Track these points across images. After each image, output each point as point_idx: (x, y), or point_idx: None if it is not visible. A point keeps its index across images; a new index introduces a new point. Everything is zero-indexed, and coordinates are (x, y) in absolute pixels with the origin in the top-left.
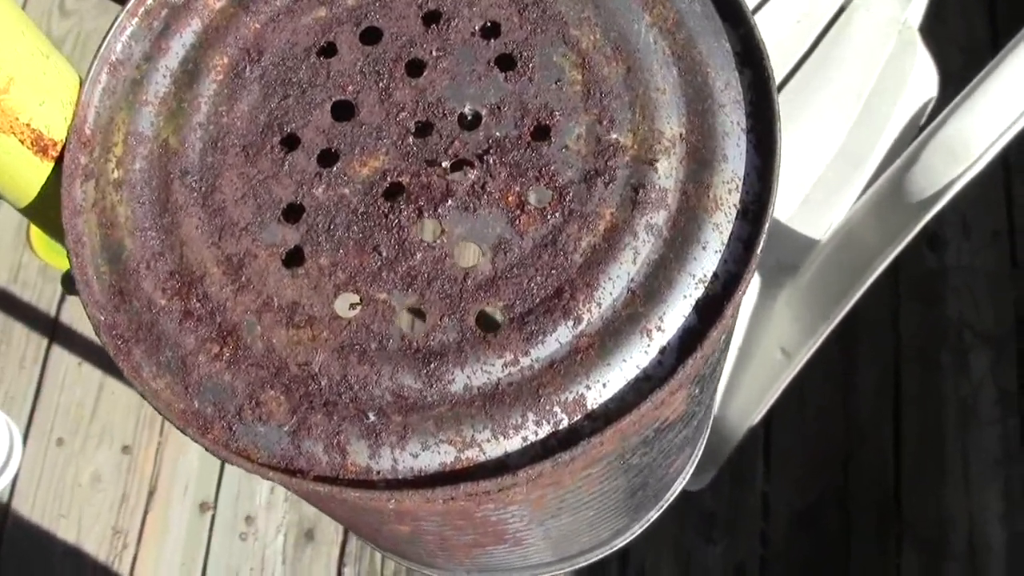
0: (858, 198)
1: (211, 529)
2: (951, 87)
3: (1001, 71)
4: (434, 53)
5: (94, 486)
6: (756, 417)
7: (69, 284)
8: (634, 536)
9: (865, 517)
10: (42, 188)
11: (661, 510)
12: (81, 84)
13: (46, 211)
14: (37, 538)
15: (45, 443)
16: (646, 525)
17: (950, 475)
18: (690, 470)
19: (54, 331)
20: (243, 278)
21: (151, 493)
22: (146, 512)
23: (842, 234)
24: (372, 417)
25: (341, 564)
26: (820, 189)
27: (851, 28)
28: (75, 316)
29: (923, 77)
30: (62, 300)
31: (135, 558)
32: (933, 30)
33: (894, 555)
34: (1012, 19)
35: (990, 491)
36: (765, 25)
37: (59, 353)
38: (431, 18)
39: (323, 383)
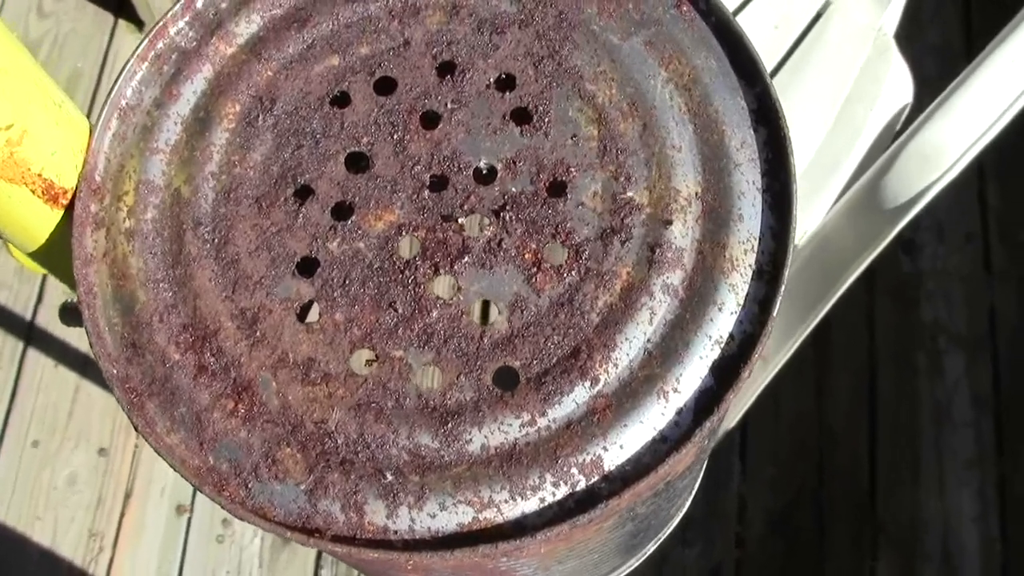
0: (833, 204)
1: (187, 532)
2: (926, 94)
3: (975, 78)
4: (449, 105)
5: (70, 488)
6: (732, 421)
7: (66, 315)
8: (631, 569)
9: (840, 519)
10: (52, 236)
11: (659, 543)
12: (91, 131)
13: (57, 259)
14: (12, 540)
15: (21, 445)
16: (643, 558)
17: (924, 477)
18: (687, 505)
19: (30, 333)
20: (257, 333)
21: (127, 495)
22: (122, 514)
23: (818, 239)
24: (389, 477)
25: (318, 567)
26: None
27: (827, 34)
28: (51, 319)
29: (898, 83)
30: (38, 302)
31: (111, 561)
32: (908, 37)
33: (869, 557)
34: (986, 26)
35: (964, 493)
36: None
37: (35, 355)
38: (445, 69)
39: (340, 441)
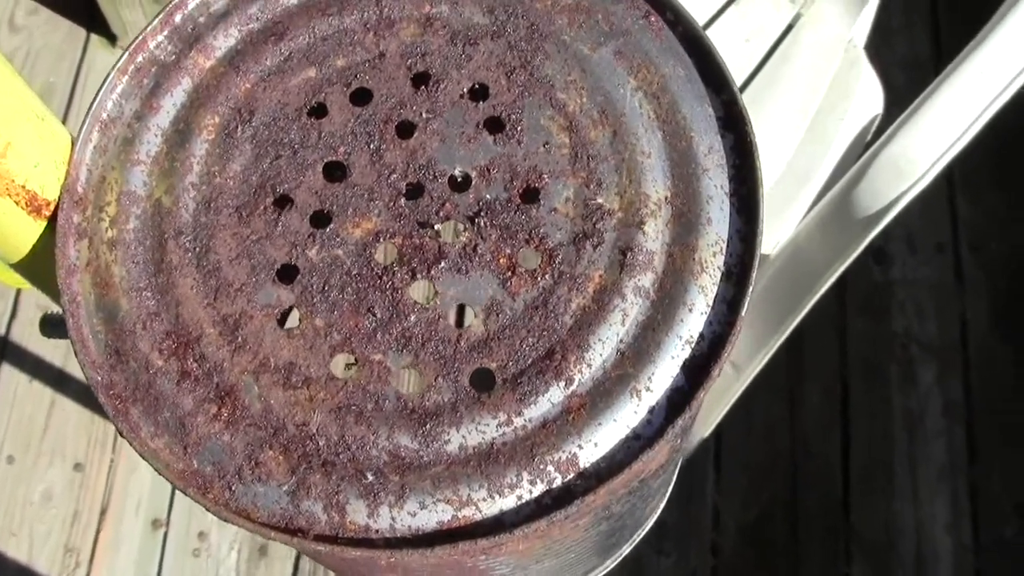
0: (805, 214)
1: (164, 546)
2: (896, 105)
3: (944, 89)
4: (424, 115)
5: (45, 504)
6: (707, 431)
7: (47, 327)
8: (608, 570)
9: (814, 527)
10: (35, 247)
11: (634, 544)
12: (73, 143)
13: (40, 269)
14: None
15: None
16: (620, 559)
17: (897, 486)
18: (662, 506)
19: (4, 348)
20: (239, 339)
21: (103, 510)
22: (98, 530)
23: (790, 250)
24: (370, 477)
25: None
26: (768, 205)
27: (798, 46)
28: (25, 333)
29: (868, 95)
30: (12, 317)
31: None
32: (878, 49)
33: (843, 564)
34: (955, 38)
35: (937, 501)
36: (714, 43)
37: (9, 370)
38: (420, 80)
39: (321, 443)
